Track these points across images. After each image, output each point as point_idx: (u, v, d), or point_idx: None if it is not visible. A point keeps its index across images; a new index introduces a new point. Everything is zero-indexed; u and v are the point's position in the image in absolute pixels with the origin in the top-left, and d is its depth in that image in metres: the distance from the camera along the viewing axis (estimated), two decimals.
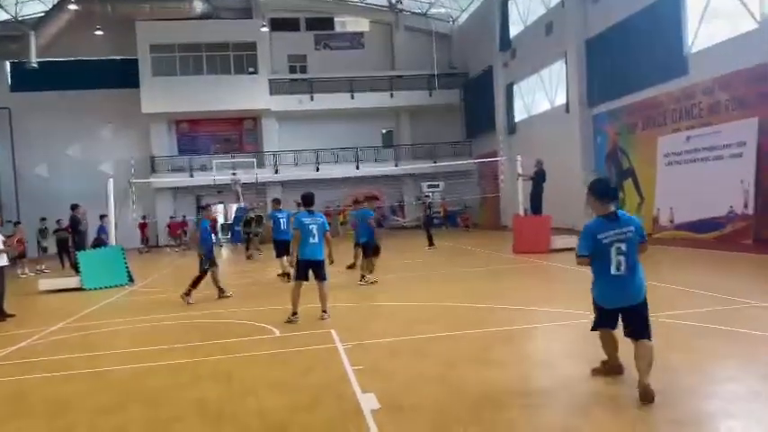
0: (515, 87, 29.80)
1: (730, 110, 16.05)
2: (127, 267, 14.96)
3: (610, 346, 4.99)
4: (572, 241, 16.39)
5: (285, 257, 12.34)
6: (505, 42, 29.49)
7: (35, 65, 29.60)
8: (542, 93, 27.13)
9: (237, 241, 28.00)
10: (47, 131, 32.52)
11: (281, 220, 13.50)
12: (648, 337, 4.62)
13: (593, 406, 4.56)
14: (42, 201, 28.87)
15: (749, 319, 6.99)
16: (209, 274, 11.30)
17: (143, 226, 29.83)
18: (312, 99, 33.94)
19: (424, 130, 35.55)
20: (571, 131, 23.67)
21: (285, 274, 12.80)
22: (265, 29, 33.36)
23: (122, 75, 32.65)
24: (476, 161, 29.74)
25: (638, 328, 4.64)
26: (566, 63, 23.84)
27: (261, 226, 21.80)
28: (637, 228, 4.70)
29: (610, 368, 5.04)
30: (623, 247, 4.61)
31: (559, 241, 16.11)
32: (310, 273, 8.60)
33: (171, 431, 4.62)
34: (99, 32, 30.06)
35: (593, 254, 4.69)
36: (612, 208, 4.74)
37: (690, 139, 17.25)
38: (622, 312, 4.75)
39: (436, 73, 35.22)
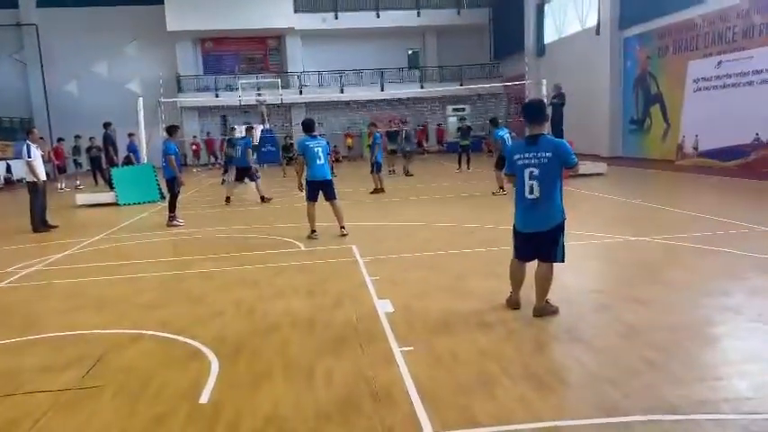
0: (546, 7, 28.90)
1: (765, 34, 15.61)
2: (158, 184, 15.58)
3: (515, 277, 5.04)
4: (594, 167, 16.57)
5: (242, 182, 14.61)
6: None
7: None
8: (574, 13, 26.31)
9: (263, 162, 28.49)
10: (74, 49, 32.65)
11: (238, 148, 14.74)
12: (553, 260, 4.77)
13: (589, 313, 5.03)
14: (73, 118, 29.51)
15: (742, 240, 7.29)
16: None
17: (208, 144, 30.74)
18: (336, 17, 33.37)
19: (452, 51, 34.84)
20: (601, 55, 23.16)
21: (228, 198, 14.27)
22: None
23: None
24: (502, 84, 29.32)
25: (546, 250, 4.76)
26: None
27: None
28: (560, 153, 4.61)
29: (511, 301, 5.12)
30: (536, 171, 4.62)
31: (581, 167, 16.23)
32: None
33: (213, 323, 5.26)
34: None
35: (512, 173, 4.84)
36: (537, 131, 4.72)
37: (721, 64, 16.88)
38: (535, 238, 4.79)
39: None
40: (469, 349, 4.33)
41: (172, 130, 11.71)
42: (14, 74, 33.40)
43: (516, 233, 4.96)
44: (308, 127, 9.25)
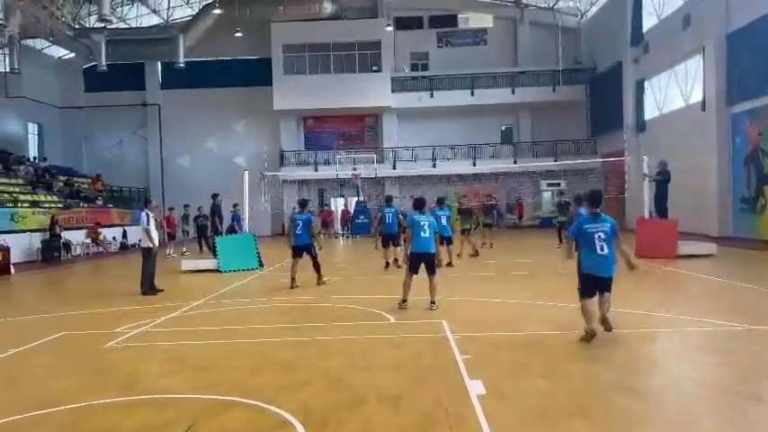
0: (646, 84, 28.38)
1: None
2: (258, 253, 16.21)
3: (590, 313, 6.68)
4: (703, 248, 15.53)
5: (390, 248, 14.86)
6: (638, 36, 28.17)
7: (182, 65, 32.54)
8: (676, 90, 25.63)
9: (356, 233, 29.15)
10: (189, 125, 35.77)
11: (388, 215, 15.04)
12: (609, 291, 6.81)
13: (699, 409, 4.59)
14: (183, 188, 31.74)
15: None
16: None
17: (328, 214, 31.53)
18: (432, 96, 34.40)
19: (546, 126, 34.75)
20: (706, 131, 22.24)
21: (388, 263, 14.77)
22: (390, 28, 34.23)
23: (257, 73, 34.99)
24: (599, 160, 28.68)
25: (608, 290, 6.80)
26: (703, 58, 22.41)
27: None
28: (611, 226, 6.75)
29: (590, 335, 6.58)
30: (603, 235, 6.68)
31: (686, 247, 15.33)
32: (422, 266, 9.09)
33: (302, 393, 5.28)
34: (238, 34, 32.48)
35: (578, 238, 6.86)
36: (597, 211, 6.85)
37: None
38: (601, 281, 6.70)
39: (560, 68, 34.34)
40: None
41: (303, 203, 12.95)
42: (136, 148, 36.90)
43: (589, 277, 6.76)
44: (418, 205, 9.50)
